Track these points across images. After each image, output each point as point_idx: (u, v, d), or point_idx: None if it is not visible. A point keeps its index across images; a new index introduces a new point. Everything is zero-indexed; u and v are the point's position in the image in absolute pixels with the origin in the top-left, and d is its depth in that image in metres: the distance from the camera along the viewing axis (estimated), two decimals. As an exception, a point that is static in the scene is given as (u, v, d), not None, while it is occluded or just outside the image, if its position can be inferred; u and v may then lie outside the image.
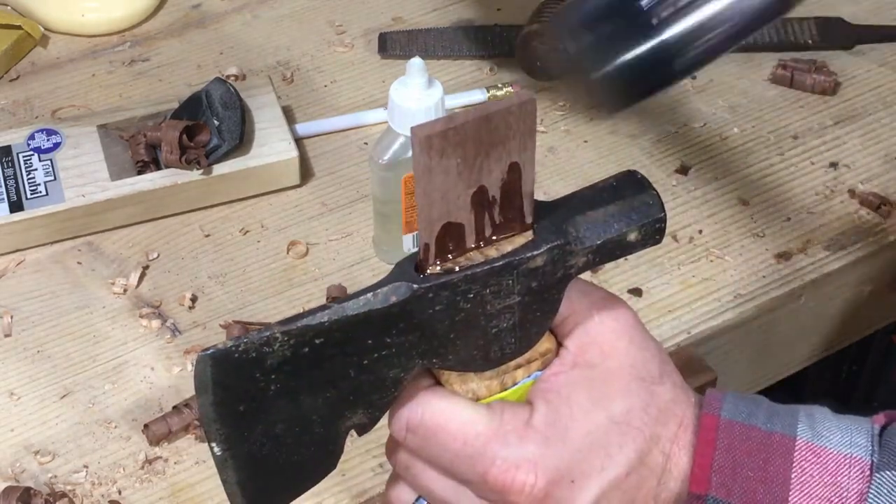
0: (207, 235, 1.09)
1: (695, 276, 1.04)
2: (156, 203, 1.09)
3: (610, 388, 0.67)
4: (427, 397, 0.67)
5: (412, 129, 0.59)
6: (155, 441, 0.93)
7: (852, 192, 1.10)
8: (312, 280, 1.05)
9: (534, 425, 0.66)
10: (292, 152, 1.11)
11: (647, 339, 0.70)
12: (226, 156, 1.09)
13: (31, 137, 1.11)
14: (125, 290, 1.04)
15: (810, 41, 1.24)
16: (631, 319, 0.69)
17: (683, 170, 1.13)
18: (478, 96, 1.19)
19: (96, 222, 1.08)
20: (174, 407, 0.94)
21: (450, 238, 0.63)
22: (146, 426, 0.93)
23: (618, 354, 0.68)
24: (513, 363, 0.68)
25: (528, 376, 0.68)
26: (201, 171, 1.08)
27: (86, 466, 0.92)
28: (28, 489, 0.89)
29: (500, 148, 0.62)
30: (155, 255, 1.07)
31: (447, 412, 0.66)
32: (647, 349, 0.69)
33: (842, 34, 1.24)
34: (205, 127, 1.08)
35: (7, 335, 1.01)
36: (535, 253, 0.64)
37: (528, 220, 0.65)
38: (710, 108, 1.19)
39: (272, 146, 1.11)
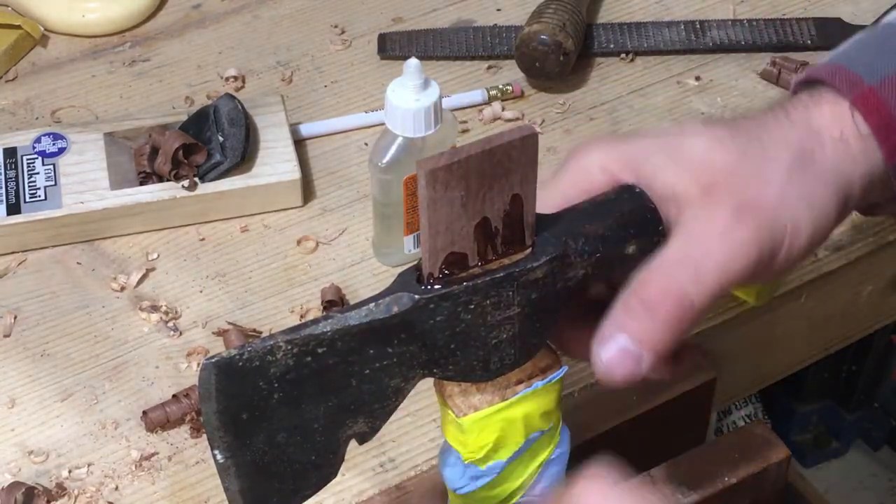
0: (202, 239, 1.09)
1: (694, 277, 1.04)
2: (153, 215, 1.08)
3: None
4: None
5: (418, 162, 0.60)
6: (152, 428, 0.94)
7: None
8: (312, 280, 1.05)
9: None
10: (295, 174, 1.09)
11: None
12: (227, 173, 1.08)
13: (38, 140, 1.11)
14: (122, 289, 1.04)
15: (809, 41, 1.24)
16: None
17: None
18: (477, 97, 1.19)
19: (94, 230, 1.08)
20: (174, 395, 0.95)
21: (452, 266, 0.64)
22: (144, 413, 0.94)
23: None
24: (514, 378, 0.68)
25: (529, 388, 0.68)
26: (187, 189, 1.07)
27: (87, 465, 0.93)
28: (30, 487, 0.89)
29: (503, 180, 0.63)
30: (155, 255, 1.07)
31: None
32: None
33: (841, 34, 1.24)
34: (203, 149, 1.08)
35: (7, 335, 1.01)
36: (535, 265, 0.64)
37: (528, 243, 0.66)
38: (709, 108, 1.19)
39: (275, 166, 1.09)
